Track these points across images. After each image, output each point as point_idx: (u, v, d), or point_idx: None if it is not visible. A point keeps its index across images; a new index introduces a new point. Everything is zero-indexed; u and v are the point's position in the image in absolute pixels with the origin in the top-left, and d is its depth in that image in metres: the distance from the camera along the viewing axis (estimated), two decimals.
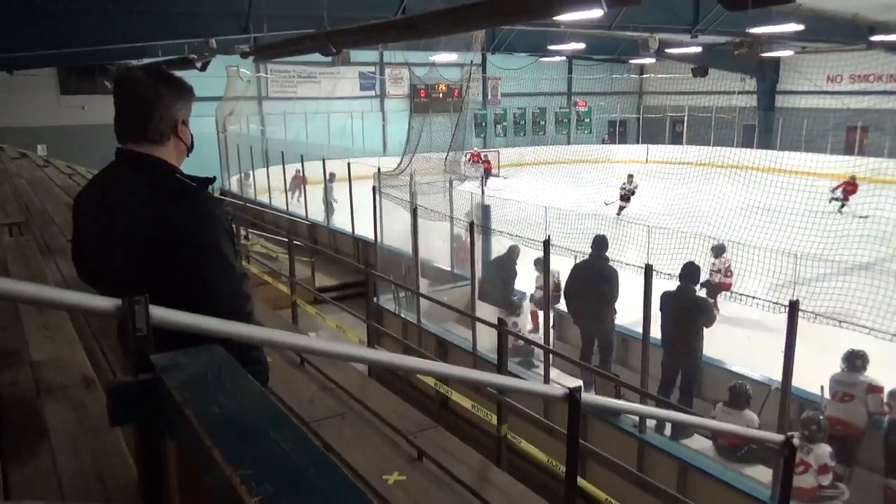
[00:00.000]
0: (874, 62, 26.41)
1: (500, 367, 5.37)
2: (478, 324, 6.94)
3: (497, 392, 5.10)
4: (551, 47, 23.38)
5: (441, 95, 27.82)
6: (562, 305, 7.72)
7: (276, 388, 4.05)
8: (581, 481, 4.30)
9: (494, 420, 5.15)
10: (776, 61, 30.61)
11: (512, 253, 8.55)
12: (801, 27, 16.95)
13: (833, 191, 19.29)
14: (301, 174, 16.50)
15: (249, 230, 13.12)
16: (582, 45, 23.36)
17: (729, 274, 9.63)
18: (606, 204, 17.59)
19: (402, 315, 8.44)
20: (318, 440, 3.87)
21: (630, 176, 18.76)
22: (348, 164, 13.19)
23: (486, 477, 3.96)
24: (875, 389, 5.67)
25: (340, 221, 14.04)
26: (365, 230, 11.51)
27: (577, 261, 7.18)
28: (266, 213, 15.70)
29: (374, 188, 9.56)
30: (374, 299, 8.22)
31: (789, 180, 18.55)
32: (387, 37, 11.17)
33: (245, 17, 12.09)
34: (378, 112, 30.39)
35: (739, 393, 5.67)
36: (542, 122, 34.49)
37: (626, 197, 18.52)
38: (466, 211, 8.75)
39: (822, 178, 19.56)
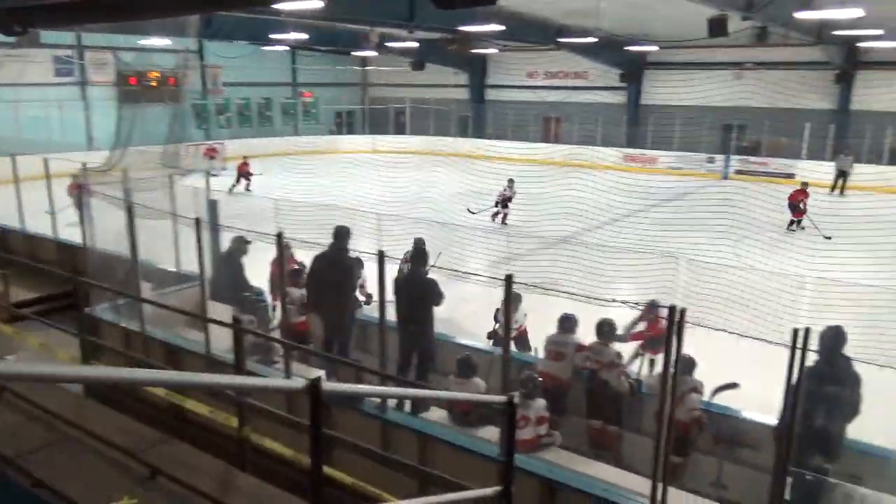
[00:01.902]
0: (563, 61, 30.23)
1: (238, 368, 5.18)
2: (214, 325, 6.59)
3: (236, 394, 4.91)
4: (273, 36, 22.90)
5: (154, 84, 25.63)
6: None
7: None
8: (328, 470, 4.34)
9: (235, 423, 4.96)
10: (484, 58, 33.51)
11: (237, 247, 8.24)
12: (502, 27, 18.71)
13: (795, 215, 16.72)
14: None
15: None
16: (305, 36, 23.24)
17: None
18: (472, 212, 16.42)
19: (123, 325, 7.69)
20: (25, 478, 3.38)
21: (510, 181, 17.50)
22: (45, 161, 11.56)
23: (230, 483, 3.80)
24: (581, 348, 6.53)
25: (39, 226, 12.28)
26: (71, 233, 10.23)
27: (318, 252, 7.17)
28: None
29: (79, 186, 8.54)
30: (87, 310, 7.38)
31: (501, 166, 20.48)
32: (87, 18, 9.92)
33: None
34: (79, 101, 27.09)
35: (466, 364, 6.15)
36: (269, 113, 33.65)
37: (504, 202, 17.44)
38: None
39: (529, 164, 21.95)
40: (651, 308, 6.98)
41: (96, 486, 3.43)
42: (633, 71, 28.96)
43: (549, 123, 32.69)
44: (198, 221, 7.32)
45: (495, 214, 17.15)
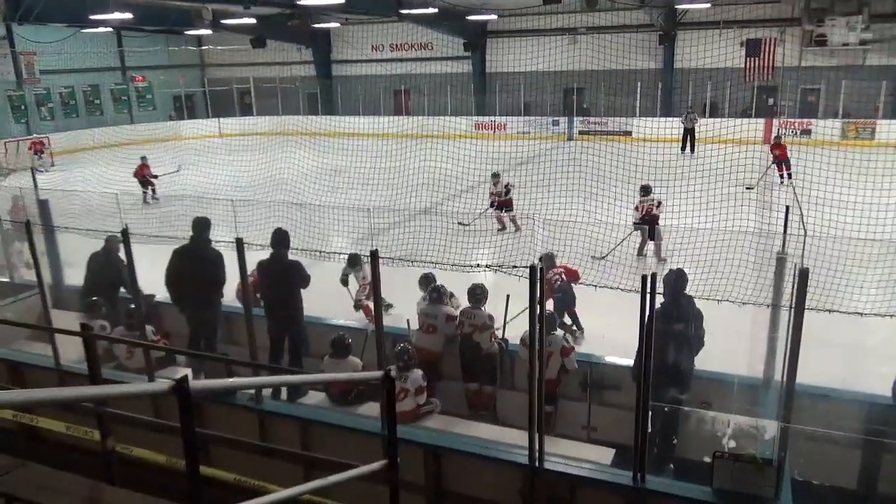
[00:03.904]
0: (407, 33, 30.24)
1: (94, 378, 4.82)
2: (60, 335, 6.08)
3: (95, 405, 4.58)
4: (93, 17, 21.01)
5: None
6: None
7: None
8: (206, 470, 4.18)
9: (98, 436, 4.63)
10: (327, 32, 32.78)
11: (110, 246, 7.64)
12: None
13: (769, 170, 17.24)
14: None
15: None
16: (129, 15, 21.55)
17: None
18: (464, 225, 13.10)
19: None
20: None
21: (495, 175, 14.43)
22: None
23: (99, 500, 3.57)
24: (451, 318, 6.66)
25: None
26: None
27: (177, 246, 6.76)
28: None
29: None
30: None
31: (354, 142, 20.26)
32: None
33: None
34: None
35: (340, 343, 6.12)
36: (97, 101, 31.02)
37: (501, 204, 14.10)
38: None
39: (382, 137, 21.88)
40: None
41: None
42: (476, 40, 29.53)
43: (400, 96, 32.72)
44: (28, 224, 6.69)
45: (501, 228, 13.89)
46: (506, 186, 14.24)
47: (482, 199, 14.45)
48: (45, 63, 27.38)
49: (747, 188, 15.14)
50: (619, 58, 23.60)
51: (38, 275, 6.63)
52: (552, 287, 7.95)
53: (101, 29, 28.02)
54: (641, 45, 26.30)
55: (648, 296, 4.22)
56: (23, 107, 27.55)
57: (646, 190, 11.89)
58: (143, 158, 18.13)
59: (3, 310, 7.49)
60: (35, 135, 25.61)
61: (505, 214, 13.95)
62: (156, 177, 17.81)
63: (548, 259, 8.06)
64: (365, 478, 3.41)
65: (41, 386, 6.44)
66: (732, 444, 4.41)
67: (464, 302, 6.74)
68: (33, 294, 7.30)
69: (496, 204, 14.11)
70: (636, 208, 11.77)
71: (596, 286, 6.64)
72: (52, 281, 8.33)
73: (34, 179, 9.14)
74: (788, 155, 17.31)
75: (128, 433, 4.79)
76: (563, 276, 8.24)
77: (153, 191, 17.73)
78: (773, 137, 19.00)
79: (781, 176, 17.31)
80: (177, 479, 4.32)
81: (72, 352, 6.09)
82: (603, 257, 9.96)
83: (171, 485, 4.18)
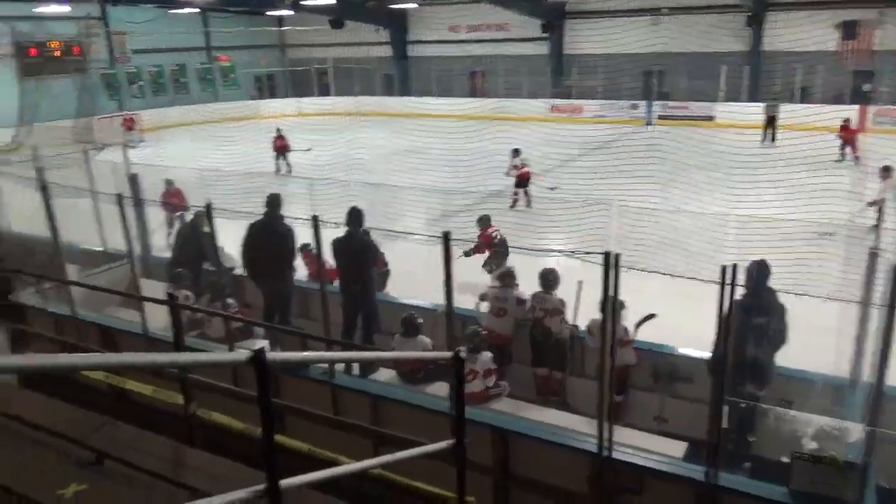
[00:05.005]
0: (484, 14, 30.00)
1: (178, 345, 5.05)
2: (148, 303, 6.39)
3: (178, 371, 4.80)
4: None
5: (58, 53, 24.13)
6: None
7: None
8: (280, 438, 4.32)
9: (181, 400, 4.86)
10: (404, 13, 32.90)
11: (196, 221, 7.96)
12: None
13: (841, 150, 17.71)
14: None
15: None
16: None
17: None
18: (552, 189, 13.62)
19: (52, 310, 7.37)
20: None
21: (515, 151, 14.66)
22: None
23: (181, 460, 3.74)
24: (521, 302, 6.64)
25: None
26: None
27: (254, 222, 7.00)
28: None
29: None
30: (11, 297, 7.04)
31: (428, 123, 20.32)
32: None
33: None
34: None
35: (410, 322, 6.19)
36: (184, 80, 32.19)
37: (521, 181, 14.30)
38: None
39: (457, 119, 21.85)
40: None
41: (42, 476, 3.32)
42: (555, 21, 29.02)
43: (475, 78, 32.56)
44: (120, 197, 7.03)
45: (515, 202, 14.24)
46: (523, 162, 14.41)
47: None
48: (136, 43, 28.59)
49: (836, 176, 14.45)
50: (703, 39, 22.77)
51: (128, 245, 6.97)
52: (492, 242, 9.38)
53: (188, 10, 29.01)
54: (728, 26, 25.25)
55: (728, 287, 4.08)
56: (115, 84, 28.89)
57: None
58: (279, 131, 19.17)
59: (97, 277, 7.91)
60: (126, 112, 26.82)
61: (520, 190, 14.16)
62: (288, 150, 18.81)
63: (484, 219, 9.63)
64: (432, 456, 3.45)
65: (130, 350, 6.79)
66: (813, 444, 4.23)
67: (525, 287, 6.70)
68: (123, 264, 7.68)
69: (519, 180, 14.22)
70: None
71: (672, 275, 6.46)
72: (142, 252, 8.75)
73: (125, 155, 9.55)
74: (857, 140, 17.64)
75: (208, 399, 4.99)
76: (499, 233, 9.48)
77: (287, 164, 18.76)
78: (843, 121, 18.45)
79: (843, 156, 17.42)
80: (252, 445, 4.49)
81: (158, 319, 6.39)
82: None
83: (248, 450, 4.35)
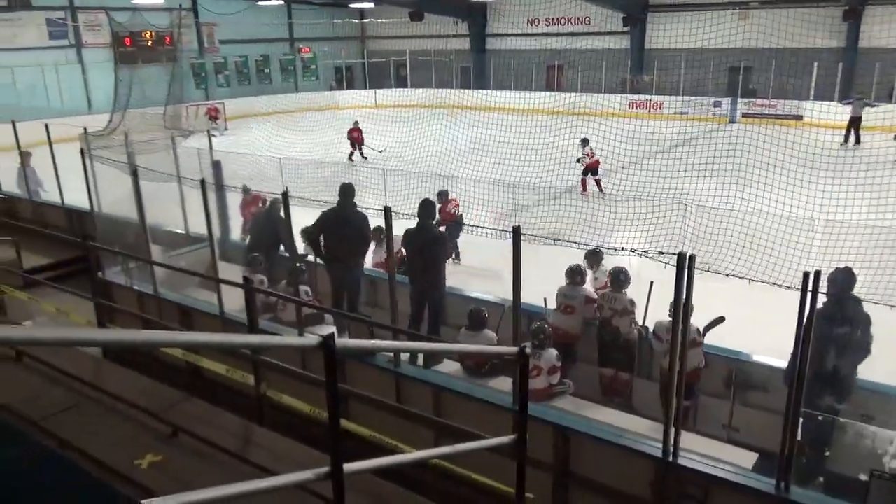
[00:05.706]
0: (564, 6, 29.54)
1: (252, 327, 5.23)
2: (225, 285, 6.64)
3: (251, 352, 4.97)
4: None
5: (150, 43, 25.26)
6: None
7: None
8: (345, 423, 4.42)
9: (252, 380, 5.03)
10: (483, 5, 32.81)
11: (273, 207, 8.21)
12: None
13: None
14: None
15: None
16: None
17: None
18: (589, 189, 14.42)
19: (136, 287, 7.76)
20: (49, 439, 3.45)
21: (584, 141, 15.24)
22: (46, 127, 11.48)
23: (250, 438, 3.88)
24: (590, 301, 6.55)
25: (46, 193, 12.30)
26: (78, 199, 10.23)
27: (327, 209, 7.16)
28: None
29: (82, 151, 8.51)
30: (100, 274, 7.43)
31: (503, 116, 20.21)
32: None
33: None
34: (76, 64, 26.75)
35: (477, 316, 6.18)
36: (267, 71, 33.16)
37: (589, 169, 15.18)
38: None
39: (531, 113, 21.67)
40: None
41: (120, 445, 3.51)
42: (637, 14, 28.32)
43: (553, 72, 32.16)
44: (203, 182, 7.31)
45: (584, 187, 14.98)
46: (589, 152, 15.15)
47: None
48: (224, 34, 29.63)
49: None
50: (795, 35, 21.73)
51: (209, 229, 7.25)
52: (452, 216, 9.94)
53: (274, 2, 29.80)
54: (822, 21, 24.00)
55: (810, 294, 3.90)
56: (203, 74, 30.03)
57: None
58: (356, 122, 20.11)
59: (178, 259, 8.27)
60: (211, 100, 27.85)
61: (591, 178, 15.08)
62: (362, 143, 19.76)
63: (443, 194, 10.16)
64: (493, 450, 3.45)
65: (206, 329, 7.08)
66: (894, 463, 4.02)
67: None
68: (203, 246, 7.99)
69: (584, 170, 15.18)
70: None
71: (749, 280, 6.22)
72: (220, 235, 9.08)
73: (210, 142, 9.92)
74: None
75: (278, 381, 5.15)
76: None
77: (362, 154, 19.72)
78: None
79: None
80: (318, 428, 4.61)
81: (234, 301, 6.63)
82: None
83: (313, 432, 4.47)
